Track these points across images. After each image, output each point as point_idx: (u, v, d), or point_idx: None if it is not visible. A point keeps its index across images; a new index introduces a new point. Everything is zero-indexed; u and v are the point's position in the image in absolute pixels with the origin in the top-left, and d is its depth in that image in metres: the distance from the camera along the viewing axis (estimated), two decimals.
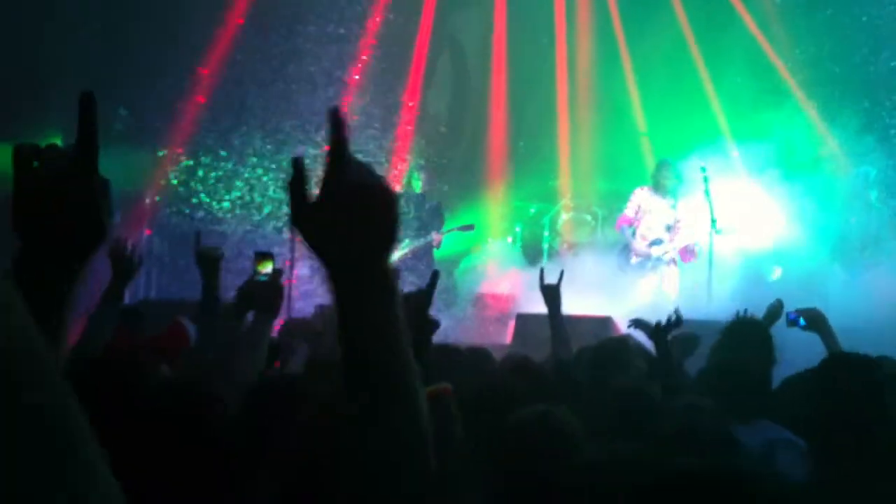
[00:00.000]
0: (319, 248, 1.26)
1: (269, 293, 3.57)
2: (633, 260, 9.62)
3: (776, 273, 9.65)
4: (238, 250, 9.93)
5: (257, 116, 11.43)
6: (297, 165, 1.23)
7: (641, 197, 9.71)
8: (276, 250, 9.51)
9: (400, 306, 1.28)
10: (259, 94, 11.41)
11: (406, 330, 1.29)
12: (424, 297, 2.48)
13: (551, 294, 4.88)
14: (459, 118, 12.56)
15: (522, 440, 2.51)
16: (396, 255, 9.12)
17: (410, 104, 11.92)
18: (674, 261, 9.55)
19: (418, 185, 10.22)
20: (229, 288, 4.10)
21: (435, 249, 9.92)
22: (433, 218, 10.05)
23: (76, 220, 1.33)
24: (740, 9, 11.81)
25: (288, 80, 11.36)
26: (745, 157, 10.40)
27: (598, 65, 12.01)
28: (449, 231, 9.98)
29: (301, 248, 8.98)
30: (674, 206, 9.57)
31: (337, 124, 1.22)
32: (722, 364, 4.08)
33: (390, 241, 1.27)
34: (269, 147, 11.34)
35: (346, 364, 1.29)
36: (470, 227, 10.13)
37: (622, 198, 11.12)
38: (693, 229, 9.40)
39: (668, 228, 9.57)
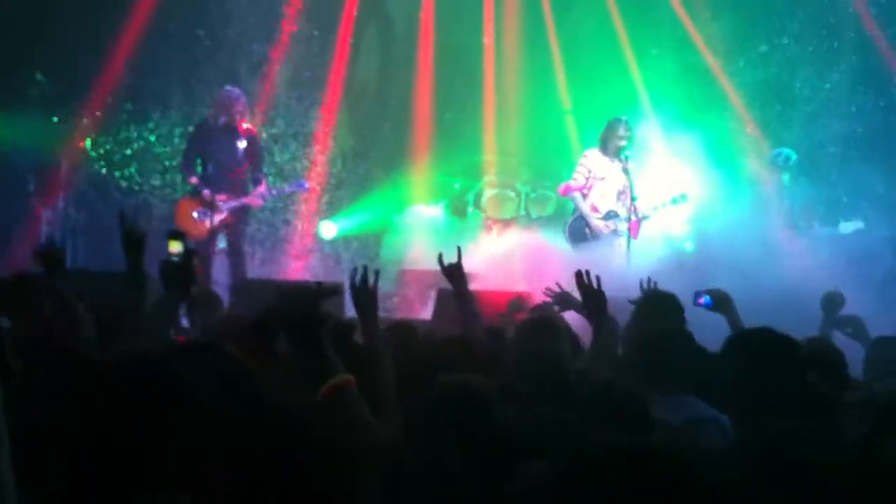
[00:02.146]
0: None
1: (181, 275, 3.59)
2: (590, 232, 8.97)
3: (688, 245, 9.75)
4: (160, 223, 9.78)
5: (180, 82, 11.23)
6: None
7: (593, 160, 9.03)
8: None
9: None
10: (182, 58, 11.20)
11: None
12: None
13: (454, 274, 4.77)
14: (385, 89, 12.47)
15: (440, 405, 2.58)
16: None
17: (337, 72, 11.81)
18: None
19: None
20: (150, 264, 4.05)
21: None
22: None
23: None
24: None
25: (213, 43, 11.18)
26: (667, 136, 10.49)
27: (524, 40, 12.04)
28: (281, 191, 9.47)
29: (220, 220, 8.87)
30: (626, 171, 8.84)
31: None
32: (644, 336, 4.17)
33: None
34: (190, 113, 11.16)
35: None
36: (303, 187, 9.68)
37: (546, 176, 11.24)
38: (645, 199, 8.89)
39: (620, 195, 8.97)
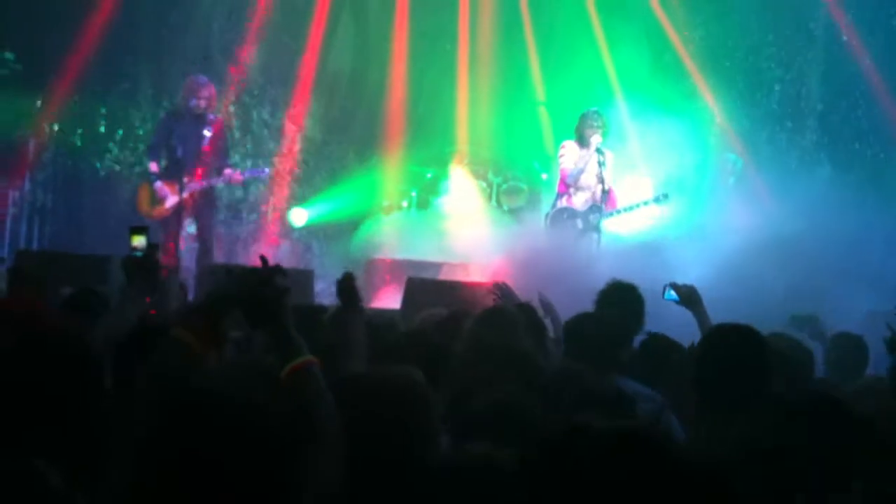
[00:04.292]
0: None
1: (143, 273, 3.59)
2: (580, 224, 8.77)
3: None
4: (128, 207, 9.69)
5: (150, 63, 11.13)
6: None
7: (571, 151, 8.84)
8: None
9: None
10: (152, 41, 11.11)
11: None
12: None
13: (348, 290, 3.95)
14: (359, 78, 12.42)
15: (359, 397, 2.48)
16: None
17: (310, 60, 11.74)
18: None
19: None
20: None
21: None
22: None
23: None
24: None
25: (184, 25, 11.09)
26: (640, 128, 10.52)
27: (499, 31, 12.03)
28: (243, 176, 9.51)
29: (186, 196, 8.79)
30: (601, 164, 8.65)
31: None
32: (582, 323, 4.24)
33: None
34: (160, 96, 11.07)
35: None
36: (264, 172, 9.74)
37: (516, 167, 11.25)
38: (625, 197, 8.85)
39: (596, 188, 8.76)
